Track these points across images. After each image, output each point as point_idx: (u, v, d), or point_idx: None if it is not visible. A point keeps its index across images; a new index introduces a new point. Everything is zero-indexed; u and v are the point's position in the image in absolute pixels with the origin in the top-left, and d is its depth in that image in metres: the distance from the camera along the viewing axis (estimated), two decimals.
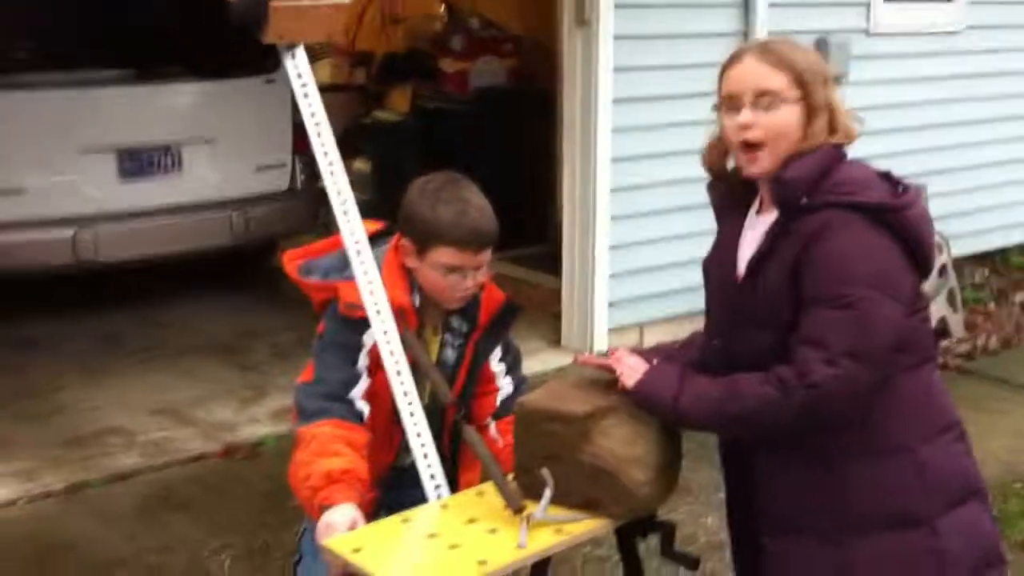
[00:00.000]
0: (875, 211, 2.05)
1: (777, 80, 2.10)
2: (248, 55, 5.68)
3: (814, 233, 2.04)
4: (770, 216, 2.16)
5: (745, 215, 2.26)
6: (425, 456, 2.47)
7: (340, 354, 2.45)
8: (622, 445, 2.24)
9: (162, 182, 5.83)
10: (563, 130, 5.57)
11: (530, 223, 7.06)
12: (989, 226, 7.26)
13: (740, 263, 2.21)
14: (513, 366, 2.70)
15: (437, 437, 2.51)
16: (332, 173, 2.57)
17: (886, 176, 2.16)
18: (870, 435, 2.10)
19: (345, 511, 2.22)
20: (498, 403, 2.67)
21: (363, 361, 2.46)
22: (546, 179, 7.10)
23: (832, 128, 2.13)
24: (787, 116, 2.10)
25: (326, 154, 2.58)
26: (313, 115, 2.58)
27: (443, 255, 2.43)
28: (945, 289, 5.83)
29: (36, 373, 5.30)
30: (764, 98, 2.10)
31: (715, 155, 2.28)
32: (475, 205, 2.44)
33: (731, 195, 2.29)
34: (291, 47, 2.55)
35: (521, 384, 2.69)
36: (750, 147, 2.13)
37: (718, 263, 2.29)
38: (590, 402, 2.27)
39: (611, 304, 5.52)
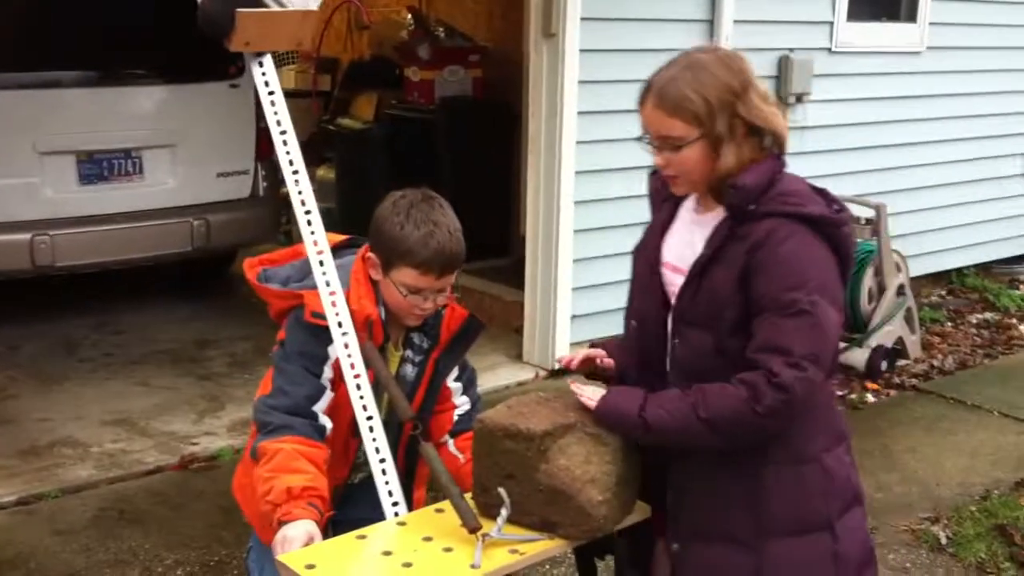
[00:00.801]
0: (818, 223, 2.15)
1: (674, 127, 2.17)
2: (213, 60, 5.64)
3: (761, 240, 2.13)
4: (711, 215, 2.24)
5: (676, 206, 2.35)
6: (384, 472, 2.45)
7: (303, 364, 2.42)
8: (580, 464, 2.23)
9: (122, 187, 5.75)
10: (528, 142, 5.57)
11: (492, 235, 7.05)
12: (947, 246, 7.34)
13: (665, 252, 2.31)
14: (469, 384, 2.70)
15: (392, 452, 2.49)
16: (297, 182, 2.55)
17: (822, 192, 2.25)
18: (790, 444, 2.20)
19: (302, 526, 2.20)
20: (455, 420, 2.66)
21: (327, 373, 2.44)
22: (510, 191, 7.10)
23: (762, 142, 2.18)
24: (690, 154, 2.18)
25: (291, 163, 2.57)
26: (279, 124, 2.57)
27: (406, 275, 2.42)
28: (903, 309, 5.88)
29: None
30: (667, 142, 2.19)
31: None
32: (444, 228, 2.42)
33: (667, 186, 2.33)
34: (258, 55, 2.52)
35: (476, 402, 2.69)
36: (670, 178, 2.25)
37: (643, 248, 2.38)
38: (549, 420, 2.27)
39: (574, 317, 5.52)
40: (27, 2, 5.88)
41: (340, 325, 2.43)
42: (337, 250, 2.56)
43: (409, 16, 7.67)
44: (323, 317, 2.42)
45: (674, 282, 2.29)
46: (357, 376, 2.44)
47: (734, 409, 2.10)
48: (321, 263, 2.48)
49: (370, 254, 2.48)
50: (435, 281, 2.42)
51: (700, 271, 2.20)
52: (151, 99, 5.99)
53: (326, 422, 2.42)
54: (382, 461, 2.45)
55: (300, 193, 2.54)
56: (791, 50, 6.14)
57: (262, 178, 6.25)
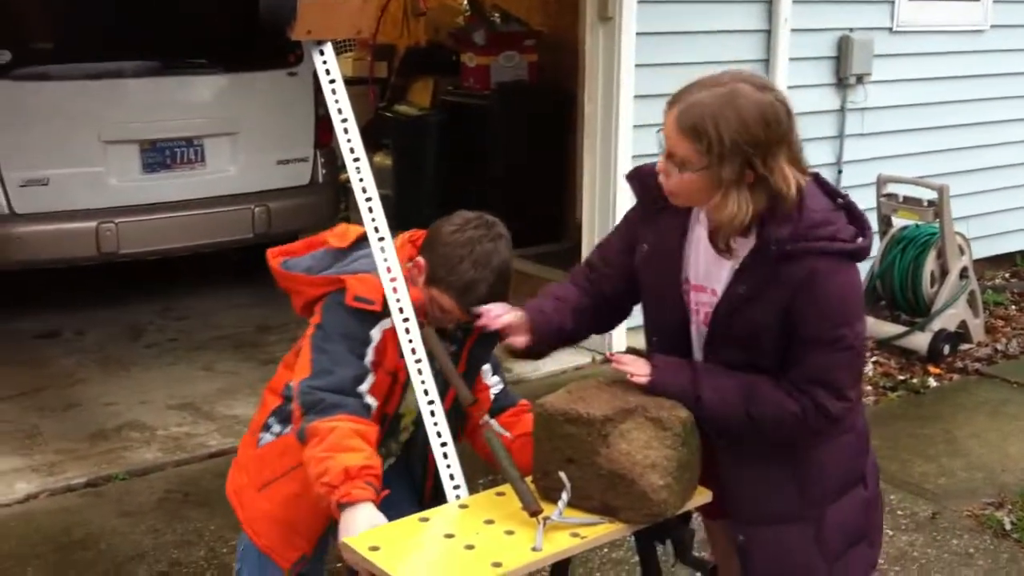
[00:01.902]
0: (852, 255, 2.22)
1: (684, 148, 2.13)
2: (272, 48, 5.71)
3: (803, 281, 2.16)
4: (740, 241, 2.20)
5: (683, 223, 2.31)
6: (445, 456, 2.47)
7: (347, 346, 2.41)
8: (640, 449, 2.24)
9: (184, 175, 5.84)
10: (584, 127, 5.56)
11: (548, 220, 7.07)
12: (1010, 228, 7.22)
13: (687, 269, 2.31)
14: (495, 367, 2.74)
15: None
16: (358, 170, 2.58)
17: (831, 195, 2.27)
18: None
19: (365, 510, 2.20)
20: (492, 398, 2.71)
21: (370, 356, 2.44)
22: (565, 176, 7.10)
23: (773, 195, 2.13)
24: (692, 180, 2.15)
25: (352, 151, 2.59)
26: (340, 111, 2.59)
27: (444, 300, 2.46)
28: (965, 292, 5.80)
29: (58, 365, 5.34)
30: (675, 157, 2.16)
31: None
32: (495, 271, 2.44)
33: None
34: (319, 43, 2.55)
35: (505, 384, 2.74)
36: (667, 188, 2.22)
37: (658, 265, 2.35)
38: (610, 404, 2.28)
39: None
40: None
41: (401, 311, 2.45)
42: (357, 243, 2.58)
43: (465, 2, 7.69)
44: (366, 301, 2.41)
45: (699, 300, 2.31)
46: (418, 360, 2.47)
47: (781, 419, 2.24)
48: (383, 250, 2.50)
49: (419, 257, 2.50)
50: (466, 315, 2.46)
51: (737, 305, 2.23)
52: (212, 88, 6.07)
53: (372, 402, 2.42)
54: (443, 445, 2.47)
55: (361, 180, 2.57)
56: (851, 30, 6.06)
57: (321, 165, 6.31)
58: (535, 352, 2.48)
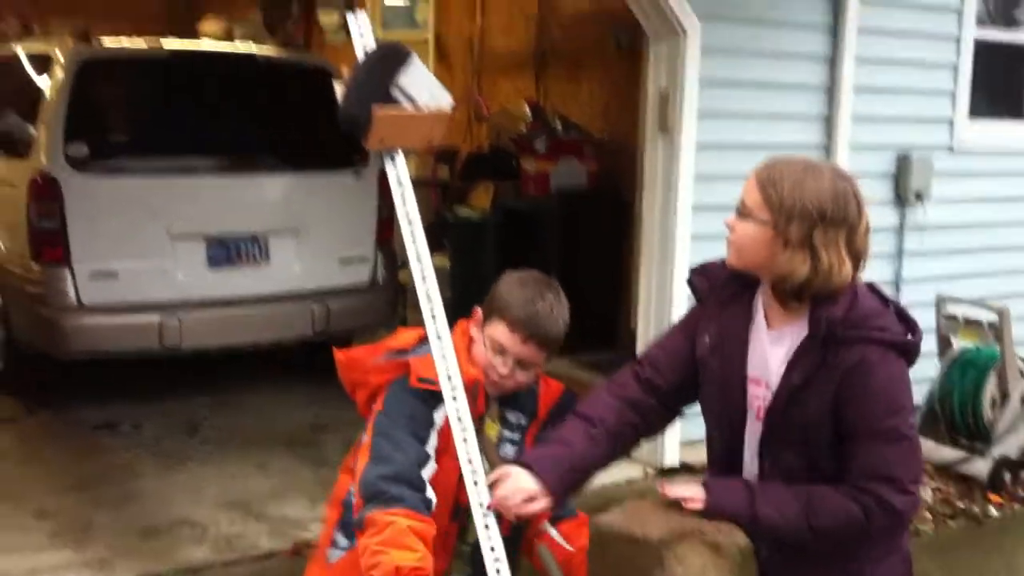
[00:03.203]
0: (902, 348, 2.26)
1: (754, 198, 2.25)
2: (338, 149, 5.84)
3: (853, 368, 2.22)
4: (786, 331, 2.30)
5: (747, 312, 2.37)
6: (492, 550, 2.33)
7: (411, 429, 2.39)
8: (697, 574, 2.22)
9: (248, 271, 5.95)
10: (642, 235, 5.60)
11: (602, 327, 7.07)
12: None
13: (750, 363, 2.34)
14: None
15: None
16: (424, 279, 2.59)
17: (891, 303, 2.35)
18: (885, 541, 2.32)
19: None
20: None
21: (433, 440, 2.41)
22: (621, 284, 7.13)
23: (817, 271, 2.21)
24: (751, 229, 2.25)
25: (419, 259, 2.60)
26: (410, 221, 2.61)
27: (497, 330, 2.48)
28: None
29: (115, 457, 5.39)
30: (744, 206, 2.28)
31: None
32: (549, 302, 2.49)
33: (737, 284, 2.38)
34: (391, 151, 2.62)
35: None
36: (728, 240, 2.34)
37: (724, 358, 2.38)
38: (667, 526, 2.27)
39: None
40: (163, 92, 6.21)
41: (455, 399, 2.40)
42: (418, 345, 2.56)
43: (527, 109, 7.84)
44: (429, 382, 2.40)
45: (755, 394, 2.34)
46: (472, 464, 2.37)
47: (846, 525, 2.23)
48: (444, 357, 2.50)
49: (477, 308, 2.56)
50: (520, 344, 2.44)
51: (791, 396, 2.26)
52: (279, 186, 6.21)
53: (432, 495, 2.36)
54: (497, 560, 2.41)
55: (425, 284, 2.58)
56: (910, 148, 6.08)
57: (381, 265, 6.40)
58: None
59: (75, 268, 5.53)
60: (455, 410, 2.40)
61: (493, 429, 2.55)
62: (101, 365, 6.06)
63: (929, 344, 5.92)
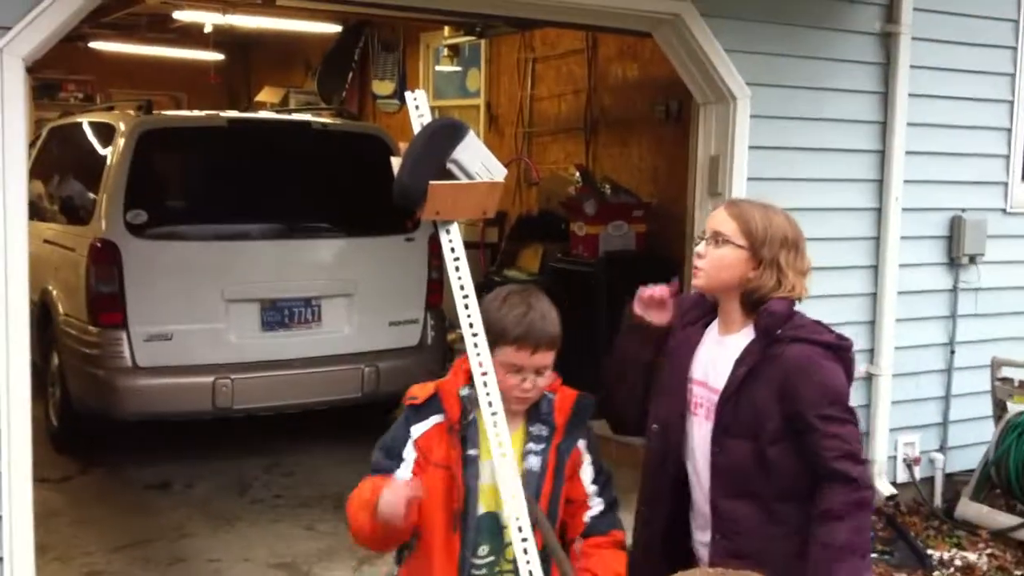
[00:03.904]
0: (833, 348, 2.65)
1: (728, 226, 2.67)
2: (391, 214, 5.92)
3: (796, 364, 2.60)
4: (734, 337, 2.70)
5: (701, 330, 2.79)
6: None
7: (384, 444, 2.63)
8: None
9: (301, 334, 6.04)
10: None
11: None
12: None
13: (694, 368, 2.75)
14: (605, 486, 2.72)
15: None
16: (476, 345, 2.62)
17: (824, 326, 2.72)
18: None
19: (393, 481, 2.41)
20: (587, 520, 2.67)
21: (409, 450, 2.58)
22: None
23: (781, 284, 2.65)
24: (728, 254, 2.66)
25: (471, 326, 2.64)
26: (462, 288, 2.65)
27: (506, 354, 2.56)
28: None
29: (166, 516, 5.45)
30: (717, 236, 2.68)
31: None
32: (537, 310, 2.59)
33: (699, 310, 2.80)
34: (446, 222, 2.66)
35: (614, 503, 2.70)
36: (695, 268, 2.73)
37: (674, 363, 2.78)
38: None
39: None
40: (220, 160, 6.35)
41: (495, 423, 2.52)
42: None
43: (577, 173, 7.89)
44: (413, 398, 2.63)
45: (700, 395, 2.73)
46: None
47: (863, 528, 2.59)
48: (495, 424, 2.53)
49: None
50: (530, 357, 2.55)
51: (739, 386, 2.62)
52: (332, 251, 6.32)
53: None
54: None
55: (479, 355, 2.61)
56: (963, 210, 6.04)
57: (430, 327, 6.44)
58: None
59: (131, 331, 5.63)
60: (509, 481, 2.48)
61: (518, 443, 2.62)
62: (155, 425, 6.14)
63: (984, 407, 5.85)
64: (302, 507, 5.63)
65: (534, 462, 2.61)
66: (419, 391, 2.63)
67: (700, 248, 2.70)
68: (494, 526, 2.59)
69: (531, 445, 2.63)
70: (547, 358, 2.58)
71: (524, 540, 2.45)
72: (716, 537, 2.68)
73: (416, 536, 2.57)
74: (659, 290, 2.83)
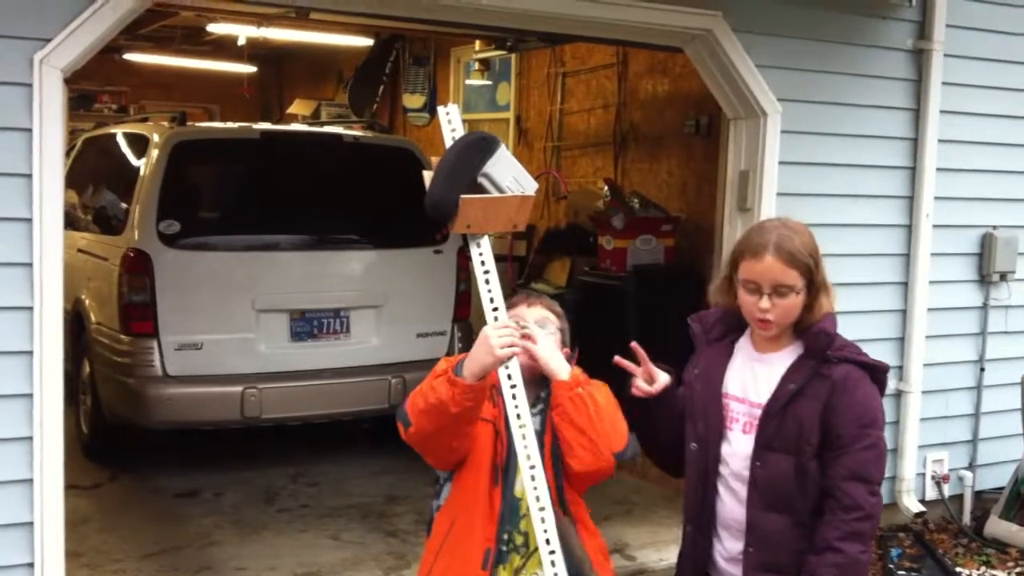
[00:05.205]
0: (875, 370, 2.72)
1: (789, 276, 2.66)
2: (420, 227, 5.96)
3: (841, 382, 2.65)
4: (778, 355, 2.74)
5: (729, 348, 2.83)
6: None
7: None
8: None
9: (329, 345, 6.07)
10: None
11: None
12: None
13: (728, 384, 2.78)
14: None
15: None
16: (509, 374, 2.62)
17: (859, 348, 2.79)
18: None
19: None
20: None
21: None
22: None
23: (826, 300, 2.71)
24: (795, 301, 2.68)
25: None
26: (492, 301, 2.67)
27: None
28: None
29: (195, 524, 5.48)
30: (780, 289, 2.66)
31: (721, 296, 2.86)
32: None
33: (723, 326, 2.84)
34: (477, 237, 2.67)
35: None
36: (764, 322, 2.70)
37: (706, 381, 2.82)
38: None
39: None
40: (252, 171, 6.41)
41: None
42: None
43: (605, 187, 7.90)
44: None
45: (738, 410, 2.75)
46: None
47: (863, 550, 2.61)
48: (523, 437, 2.55)
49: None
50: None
51: (787, 402, 2.66)
52: (362, 262, 6.35)
53: None
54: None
55: (507, 368, 2.62)
56: (994, 227, 6.00)
57: (458, 339, 6.46)
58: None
59: (162, 340, 5.68)
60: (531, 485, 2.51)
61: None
62: (184, 433, 6.19)
63: (1014, 424, 5.80)
64: (328, 516, 5.66)
65: (535, 422, 2.71)
66: (453, 358, 2.69)
67: (764, 304, 2.67)
68: (515, 503, 2.71)
69: (539, 407, 2.76)
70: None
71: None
72: (749, 550, 2.70)
73: (450, 481, 2.74)
74: (652, 389, 2.84)
